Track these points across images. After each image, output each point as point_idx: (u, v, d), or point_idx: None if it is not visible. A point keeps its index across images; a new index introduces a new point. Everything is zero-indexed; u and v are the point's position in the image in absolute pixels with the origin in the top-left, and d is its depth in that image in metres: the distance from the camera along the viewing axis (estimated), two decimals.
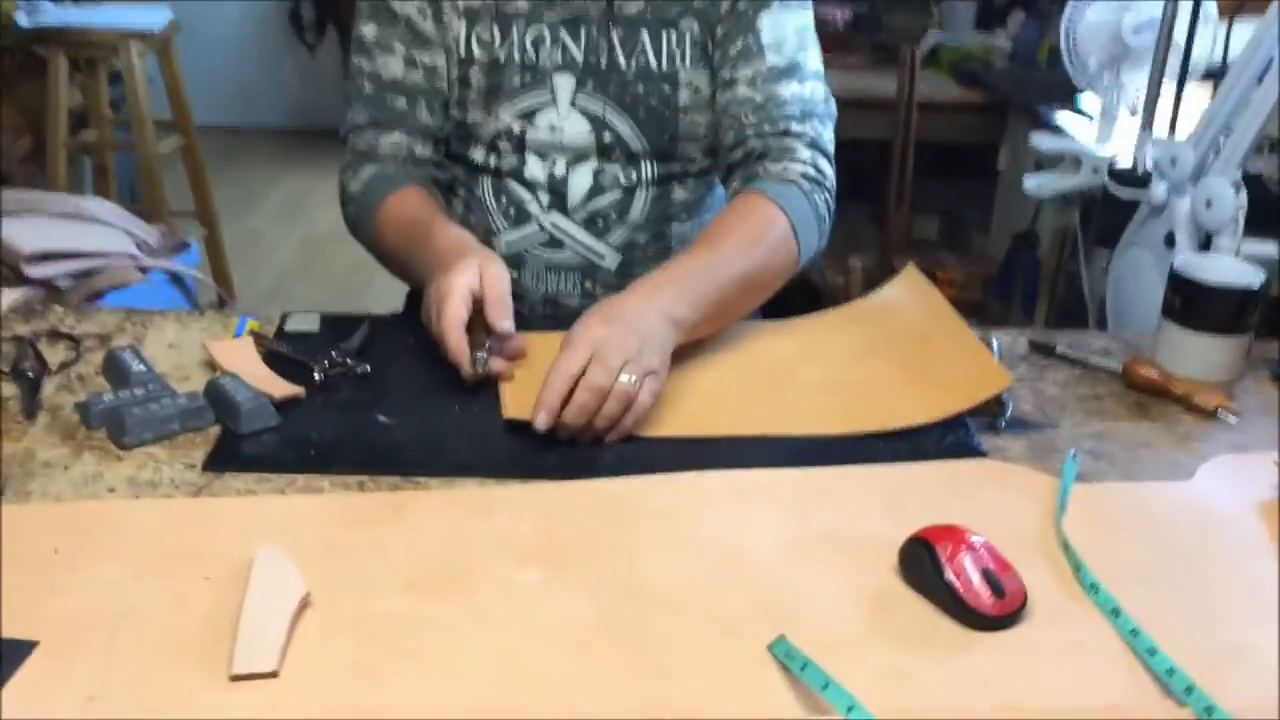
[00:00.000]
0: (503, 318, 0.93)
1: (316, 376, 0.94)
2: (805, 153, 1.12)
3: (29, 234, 1.84)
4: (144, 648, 0.65)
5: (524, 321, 0.98)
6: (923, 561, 0.74)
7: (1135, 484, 0.87)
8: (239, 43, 4.71)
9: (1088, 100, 2.28)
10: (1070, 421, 0.97)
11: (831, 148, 1.16)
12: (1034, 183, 1.89)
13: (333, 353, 0.97)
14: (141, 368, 0.92)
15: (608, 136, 1.14)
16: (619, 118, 1.14)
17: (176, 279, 2.09)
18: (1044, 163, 2.08)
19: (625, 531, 0.79)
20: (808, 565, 0.76)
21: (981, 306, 2.47)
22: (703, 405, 0.95)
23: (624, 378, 0.89)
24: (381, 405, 0.92)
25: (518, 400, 0.91)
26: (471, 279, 0.94)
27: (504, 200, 1.18)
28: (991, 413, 0.95)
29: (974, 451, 0.91)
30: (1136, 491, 0.87)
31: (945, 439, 0.92)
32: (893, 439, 0.91)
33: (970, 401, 0.94)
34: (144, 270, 1.98)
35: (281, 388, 0.91)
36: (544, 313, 1.20)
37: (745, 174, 1.14)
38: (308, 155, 4.31)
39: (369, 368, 0.96)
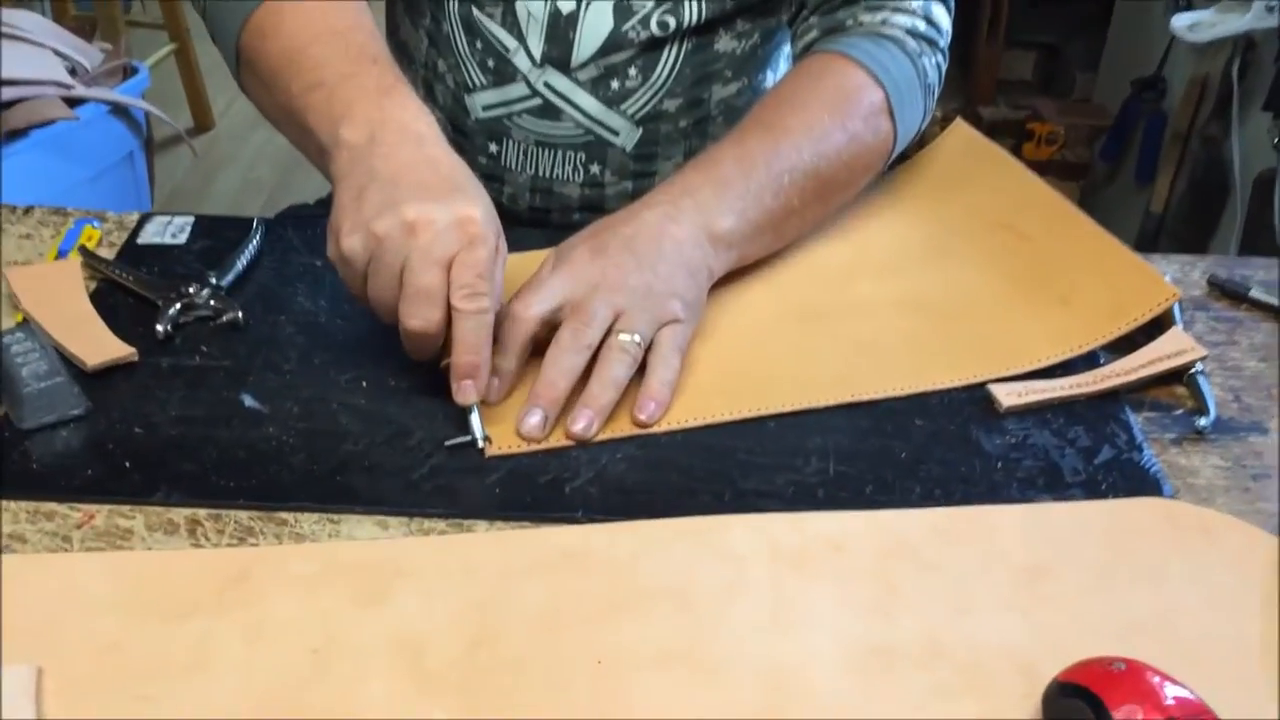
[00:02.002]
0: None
1: (160, 330, 0.63)
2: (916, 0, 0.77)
3: None
4: None
5: (502, 213, 0.63)
6: None
7: None
8: None
9: None
10: None
11: None
12: (1185, 22, 1.47)
13: (191, 287, 0.65)
14: None
15: None
16: None
17: (122, 111, 1.77)
18: None
19: (599, 631, 0.49)
20: (891, 707, 0.47)
21: (1085, 169, 2.06)
22: (726, 369, 0.64)
23: (622, 337, 0.61)
24: (252, 379, 0.61)
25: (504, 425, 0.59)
26: (496, 229, 0.60)
27: (479, 45, 0.83)
28: (1175, 402, 0.64)
29: (1149, 481, 0.59)
30: None
31: (1100, 452, 0.61)
32: (1018, 452, 0.60)
33: (1130, 321, 0.66)
34: (75, 103, 1.65)
35: (102, 348, 0.61)
36: (531, 203, 0.88)
37: (827, 23, 0.80)
38: None
39: (241, 315, 0.65)
